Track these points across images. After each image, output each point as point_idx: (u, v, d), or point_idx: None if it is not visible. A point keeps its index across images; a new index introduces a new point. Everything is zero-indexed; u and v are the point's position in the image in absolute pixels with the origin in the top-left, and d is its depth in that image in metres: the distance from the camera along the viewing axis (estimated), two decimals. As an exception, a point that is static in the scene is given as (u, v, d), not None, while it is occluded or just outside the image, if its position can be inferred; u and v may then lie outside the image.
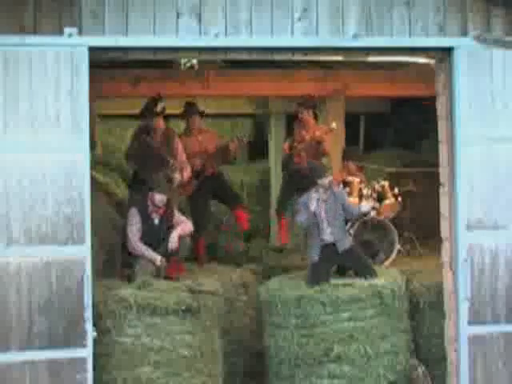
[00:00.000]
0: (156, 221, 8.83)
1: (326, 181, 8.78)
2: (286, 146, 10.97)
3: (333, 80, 11.96)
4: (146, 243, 8.70)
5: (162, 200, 8.73)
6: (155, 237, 8.74)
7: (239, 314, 9.23)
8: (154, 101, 9.88)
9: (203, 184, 10.32)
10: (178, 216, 8.93)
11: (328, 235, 8.74)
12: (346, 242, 8.83)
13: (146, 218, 8.77)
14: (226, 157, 10.52)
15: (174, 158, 9.74)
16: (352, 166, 10.80)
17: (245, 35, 7.53)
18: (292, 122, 11.54)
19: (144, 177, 9.44)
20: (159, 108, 9.84)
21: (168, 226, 8.81)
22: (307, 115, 10.88)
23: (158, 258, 8.63)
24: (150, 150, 9.70)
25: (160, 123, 9.80)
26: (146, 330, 7.87)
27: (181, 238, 8.77)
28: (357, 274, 8.75)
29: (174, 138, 9.95)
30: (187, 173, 9.85)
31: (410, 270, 9.39)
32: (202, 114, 10.56)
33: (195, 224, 9.73)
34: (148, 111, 9.81)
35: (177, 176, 9.62)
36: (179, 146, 9.94)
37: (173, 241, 8.70)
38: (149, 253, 8.63)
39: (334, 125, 10.72)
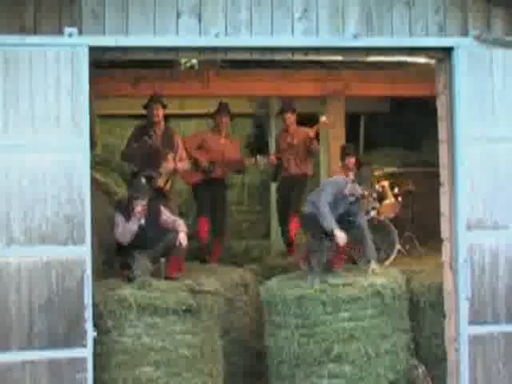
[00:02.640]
0: (142, 221, 8.80)
1: (359, 190, 8.84)
2: (273, 158, 10.99)
3: (333, 80, 11.96)
4: (140, 245, 8.68)
5: (143, 207, 8.69)
6: (147, 236, 8.72)
7: (239, 313, 9.22)
8: (159, 95, 9.99)
9: (207, 185, 10.37)
10: (166, 215, 8.88)
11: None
12: None
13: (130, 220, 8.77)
14: (238, 169, 10.74)
15: (174, 151, 9.78)
16: (351, 160, 10.77)
17: (245, 35, 7.54)
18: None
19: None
20: (164, 100, 9.93)
21: (156, 223, 8.78)
22: (291, 118, 10.92)
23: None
24: (151, 150, 9.70)
25: (159, 112, 9.81)
26: (146, 329, 7.87)
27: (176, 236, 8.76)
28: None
29: (174, 136, 9.98)
30: (183, 164, 9.86)
31: (410, 270, 9.39)
32: (231, 117, 10.68)
33: (198, 210, 10.00)
34: (153, 99, 9.84)
35: (170, 163, 9.63)
36: (180, 143, 9.98)
37: (183, 239, 8.66)
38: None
39: (324, 118, 10.77)
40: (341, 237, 8.61)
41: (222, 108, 10.60)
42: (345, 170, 10.79)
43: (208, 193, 10.42)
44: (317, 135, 11.13)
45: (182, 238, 8.65)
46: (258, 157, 10.79)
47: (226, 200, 10.88)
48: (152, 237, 8.72)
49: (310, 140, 10.77)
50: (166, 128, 10.06)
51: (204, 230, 10.37)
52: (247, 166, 10.72)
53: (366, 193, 10.20)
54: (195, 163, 10.28)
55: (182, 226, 8.77)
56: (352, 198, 8.89)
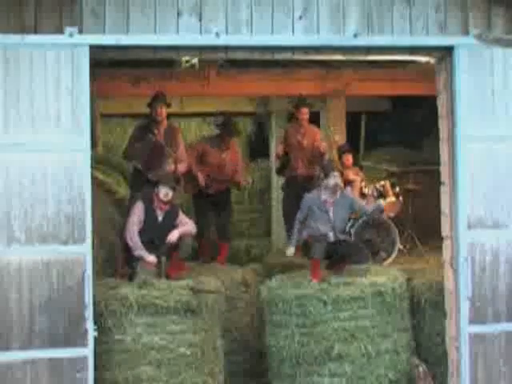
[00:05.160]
0: (160, 217, 8.81)
1: (330, 182, 8.76)
2: (280, 149, 10.91)
3: (333, 79, 11.97)
4: (148, 239, 8.68)
5: (166, 194, 8.71)
6: (158, 234, 8.72)
7: (240, 312, 9.23)
8: (162, 93, 9.97)
9: (206, 198, 10.36)
10: (182, 216, 8.91)
11: (330, 237, 8.81)
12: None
13: (150, 214, 8.75)
14: (234, 186, 10.65)
15: (174, 151, 9.77)
16: (349, 157, 10.80)
17: (245, 34, 7.53)
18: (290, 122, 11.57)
19: (150, 176, 9.48)
20: (166, 99, 9.93)
21: (171, 224, 8.79)
22: (306, 115, 10.88)
23: (149, 258, 8.58)
24: (154, 148, 9.69)
25: (162, 111, 9.81)
26: (146, 328, 7.87)
27: (182, 237, 8.75)
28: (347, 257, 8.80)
29: (176, 135, 9.97)
30: (182, 166, 9.86)
31: (411, 269, 9.39)
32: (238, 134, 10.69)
33: (198, 227, 9.87)
34: (157, 98, 9.84)
35: (170, 166, 9.64)
36: (181, 142, 9.98)
37: (173, 235, 8.68)
38: (141, 250, 8.59)
39: (337, 138, 10.80)
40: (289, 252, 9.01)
41: (231, 129, 10.46)
42: (343, 168, 10.83)
43: (209, 201, 10.39)
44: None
45: (173, 235, 8.66)
46: (250, 179, 10.81)
47: (230, 201, 10.84)
48: (164, 235, 8.70)
49: (322, 155, 10.75)
50: (169, 127, 10.05)
51: (207, 252, 10.39)
52: (243, 185, 10.67)
53: (369, 192, 10.26)
54: (194, 179, 10.25)
55: (186, 226, 8.79)
56: (335, 197, 8.81)
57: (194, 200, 10.58)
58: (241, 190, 11.12)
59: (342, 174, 10.45)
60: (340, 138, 11.10)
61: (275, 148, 12.48)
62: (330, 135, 11.05)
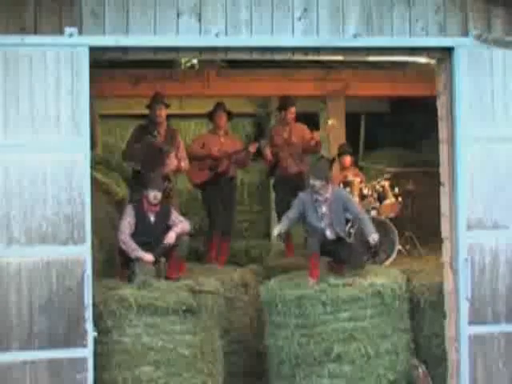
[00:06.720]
0: (152, 219, 8.81)
1: (314, 183, 8.74)
2: (269, 154, 10.88)
3: (333, 80, 11.97)
4: (143, 241, 8.68)
5: (155, 196, 8.73)
6: (152, 235, 8.72)
7: (239, 313, 9.23)
8: (160, 94, 9.98)
9: (215, 181, 10.37)
10: (175, 215, 8.91)
11: (328, 235, 8.79)
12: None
13: (141, 216, 8.75)
14: (242, 161, 10.58)
15: (176, 151, 9.79)
16: (348, 159, 10.80)
17: (245, 35, 7.54)
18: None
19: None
20: (166, 100, 9.93)
21: (164, 224, 8.79)
22: (294, 114, 10.85)
23: (146, 257, 8.57)
24: (153, 149, 9.69)
25: (162, 113, 9.82)
26: (146, 329, 7.88)
27: (179, 236, 8.75)
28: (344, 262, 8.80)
29: (176, 136, 9.99)
30: (186, 164, 9.88)
31: (411, 270, 9.38)
32: (229, 115, 10.62)
33: (208, 218, 9.99)
34: (156, 100, 9.84)
35: (173, 161, 9.64)
36: (181, 142, 10.00)
37: (170, 237, 8.69)
38: (136, 251, 8.59)
39: (331, 121, 10.74)
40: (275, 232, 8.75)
41: (219, 107, 10.56)
42: (341, 169, 10.84)
43: (218, 193, 10.39)
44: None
45: (170, 237, 8.67)
46: (262, 141, 10.76)
47: (235, 200, 10.84)
48: (159, 236, 8.71)
49: (316, 144, 10.71)
50: (168, 128, 10.07)
51: (215, 251, 10.40)
52: (252, 152, 10.54)
53: (369, 192, 10.25)
54: (202, 159, 10.27)
55: (181, 224, 8.79)
56: (326, 195, 8.79)
57: (203, 194, 10.57)
58: (248, 164, 11.00)
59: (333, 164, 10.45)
60: (337, 124, 11.01)
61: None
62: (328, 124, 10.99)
